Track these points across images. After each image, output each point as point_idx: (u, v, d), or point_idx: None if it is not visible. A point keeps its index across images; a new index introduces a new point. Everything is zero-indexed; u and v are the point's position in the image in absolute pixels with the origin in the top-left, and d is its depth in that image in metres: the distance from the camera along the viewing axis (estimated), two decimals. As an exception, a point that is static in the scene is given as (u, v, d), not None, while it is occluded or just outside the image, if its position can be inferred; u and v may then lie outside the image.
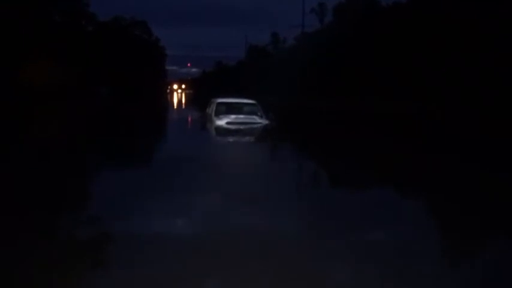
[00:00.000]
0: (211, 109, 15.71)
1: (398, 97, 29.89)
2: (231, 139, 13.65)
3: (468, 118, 22.59)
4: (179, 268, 3.73)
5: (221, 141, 13.46)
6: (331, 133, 16.76)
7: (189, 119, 24.15)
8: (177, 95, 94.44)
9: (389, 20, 34.54)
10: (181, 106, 45.74)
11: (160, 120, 23.78)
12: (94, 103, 33.39)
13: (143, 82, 62.13)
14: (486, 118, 21.22)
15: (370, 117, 24.65)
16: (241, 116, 15.02)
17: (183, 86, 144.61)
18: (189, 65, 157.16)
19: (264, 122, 15.07)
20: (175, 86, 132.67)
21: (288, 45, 62.44)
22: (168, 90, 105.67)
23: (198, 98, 66.70)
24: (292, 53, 53.78)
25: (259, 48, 71.37)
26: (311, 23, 57.09)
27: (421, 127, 20.29)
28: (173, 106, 45.27)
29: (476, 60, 24.99)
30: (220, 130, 14.34)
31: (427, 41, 28.51)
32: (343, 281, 3.66)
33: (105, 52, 49.75)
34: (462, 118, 22.94)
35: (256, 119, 15.10)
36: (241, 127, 14.57)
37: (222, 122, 14.67)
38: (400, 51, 31.47)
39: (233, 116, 14.90)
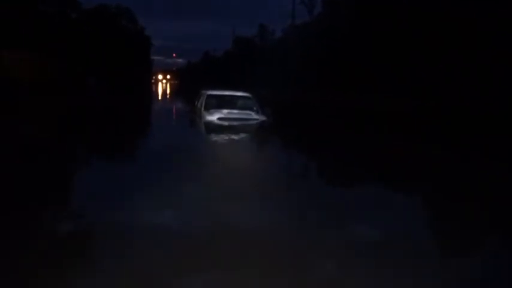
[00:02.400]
0: (201, 103, 13.79)
1: (396, 94, 28.46)
2: (223, 138, 11.82)
3: (464, 115, 21.53)
4: None
5: (211, 140, 11.60)
6: (336, 131, 14.99)
7: (174, 111, 22.26)
8: (162, 86, 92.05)
9: (385, 13, 33.06)
10: (166, 97, 43.72)
11: (145, 114, 21.71)
12: (79, 94, 30.95)
13: (128, 72, 60.15)
14: (483, 115, 20.35)
15: (370, 114, 22.94)
16: (235, 111, 13.13)
17: (168, 77, 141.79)
18: (174, 55, 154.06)
19: (261, 118, 13.21)
20: (160, 76, 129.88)
21: (278, 37, 60.84)
22: (152, 81, 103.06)
23: (184, 89, 64.92)
24: (283, 44, 52.05)
25: (246, 40, 69.60)
26: (300, 15, 55.92)
27: (418, 124, 19.06)
28: (158, 97, 43.21)
29: (474, 57, 24.28)
30: (210, 127, 12.50)
31: (424, 36, 27.77)
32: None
33: (90, 41, 48.06)
34: (457, 115, 21.90)
35: (252, 114, 13.22)
36: (235, 123, 12.71)
37: (213, 117, 12.78)
38: (396, 45, 30.18)
39: (225, 111, 13.02)
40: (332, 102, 30.54)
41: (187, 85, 77.19)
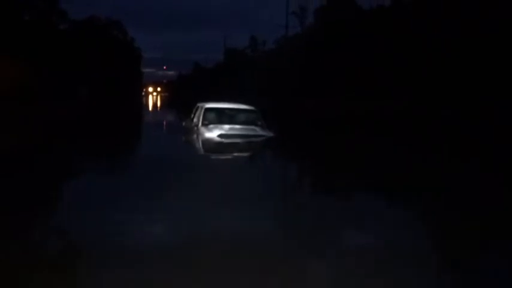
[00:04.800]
0: (198, 117, 12.06)
1: (392, 98, 28.01)
2: (225, 158, 10.15)
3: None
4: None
5: (213, 161, 9.90)
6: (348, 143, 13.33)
7: (166, 126, 20.55)
8: (153, 98, 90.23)
9: (373, 23, 33.08)
10: (157, 110, 42.02)
11: (135, 129, 19.87)
12: (67, 106, 28.86)
13: (119, 84, 58.64)
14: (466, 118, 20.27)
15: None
16: (238, 127, 11.45)
17: (159, 89, 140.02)
18: (165, 68, 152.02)
19: (268, 134, 11.53)
20: (150, 89, 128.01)
21: (270, 48, 59.97)
22: (143, 93, 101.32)
23: (175, 101, 63.36)
24: (276, 55, 50.98)
25: (238, 52, 68.57)
26: (292, 26, 55.20)
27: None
28: (148, 110, 41.50)
29: (460, 64, 24.47)
30: (210, 145, 10.82)
31: (411, 44, 27.96)
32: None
33: (80, 52, 46.62)
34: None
35: (257, 130, 11.53)
36: (238, 141, 11.06)
37: (212, 134, 11.09)
38: (387, 53, 29.75)
39: (227, 127, 11.33)
40: (336, 111, 29.07)
41: (178, 97, 75.48)
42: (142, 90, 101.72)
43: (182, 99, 58.09)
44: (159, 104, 60.72)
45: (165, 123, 23.49)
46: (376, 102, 27.87)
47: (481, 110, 21.10)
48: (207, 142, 10.91)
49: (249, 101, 14.19)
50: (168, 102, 68.75)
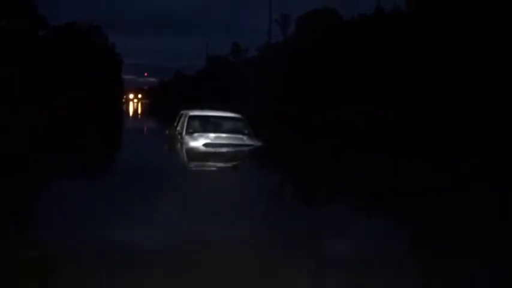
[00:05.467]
0: (182, 125, 11.42)
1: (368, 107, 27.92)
2: (211, 169, 9.56)
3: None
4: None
5: (198, 173, 9.30)
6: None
7: (147, 133, 19.85)
8: (133, 105, 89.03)
9: (356, 32, 32.93)
10: (138, 117, 41.16)
11: (115, 137, 19.04)
12: (44, 113, 27.63)
13: (98, 91, 57.65)
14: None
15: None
16: (224, 135, 10.86)
17: (140, 96, 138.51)
18: (146, 74, 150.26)
19: (256, 143, 10.95)
20: (131, 96, 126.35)
21: (252, 56, 59.72)
22: (123, 100, 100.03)
23: (156, 108, 62.54)
24: (258, 62, 50.65)
25: (220, 58, 68.16)
26: (274, 34, 55.04)
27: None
28: (129, 117, 40.65)
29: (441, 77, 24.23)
30: (195, 155, 10.25)
31: (393, 54, 27.65)
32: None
33: (59, 58, 45.60)
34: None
35: (245, 139, 10.95)
36: (225, 150, 10.49)
37: (197, 143, 10.50)
38: (369, 63, 29.73)
39: (213, 135, 10.75)
40: (313, 119, 28.66)
41: (160, 104, 74.41)
42: (122, 97, 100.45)
43: (164, 106, 57.26)
44: (139, 111, 59.71)
45: (146, 130, 22.80)
46: (361, 106, 27.55)
47: (466, 115, 20.92)
48: (192, 152, 10.34)
49: (233, 109, 13.65)
50: (149, 109, 67.80)
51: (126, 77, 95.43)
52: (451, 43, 23.45)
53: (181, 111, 12.31)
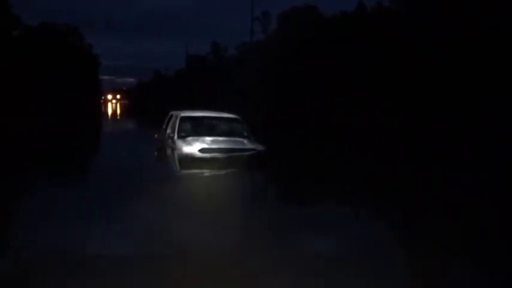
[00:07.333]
0: (173, 128, 9.90)
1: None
2: (212, 179, 8.14)
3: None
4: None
5: (195, 184, 7.85)
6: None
7: (130, 139, 18.27)
8: (112, 106, 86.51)
9: (338, 29, 32.39)
10: (117, 118, 39.35)
11: (92, 141, 17.39)
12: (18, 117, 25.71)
13: (74, 92, 55.74)
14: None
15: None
16: (222, 139, 9.39)
17: (118, 96, 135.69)
18: (123, 75, 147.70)
19: (257, 147, 9.53)
20: (109, 96, 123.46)
21: (231, 54, 58.51)
22: (101, 100, 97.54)
23: (135, 108, 60.82)
24: (238, 61, 49.41)
25: (199, 58, 66.65)
26: (256, 31, 53.97)
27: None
28: (107, 119, 38.82)
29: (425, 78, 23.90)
30: (189, 163, 8.78)
31: (389, 54, 26.91)
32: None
33: (34, 60, 43.61)
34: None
35: (245, 142, 9.50)
36: (224, 156, 9.03)
37: (192, 148, 9.01)
38: (363, 62, 28.81)
39: (209, 139, 9.28)
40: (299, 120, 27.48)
41: (139, 105, 72.52)
42: (100, 98, 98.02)
43: (143, 106, 55.55)
44: (118, 111, 57.64)
45: (127, 133, 21.16)
46: (356, 107, 26.57)
47: (464, 115, 20.19)
48: (186, 159, 8.85)
49: (220, 110, 12.24)
50: (128, 109, 65.79)
51: (104, 77, 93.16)
52: (449, 42, 22.64)
53: (171, 112, 10.82)
